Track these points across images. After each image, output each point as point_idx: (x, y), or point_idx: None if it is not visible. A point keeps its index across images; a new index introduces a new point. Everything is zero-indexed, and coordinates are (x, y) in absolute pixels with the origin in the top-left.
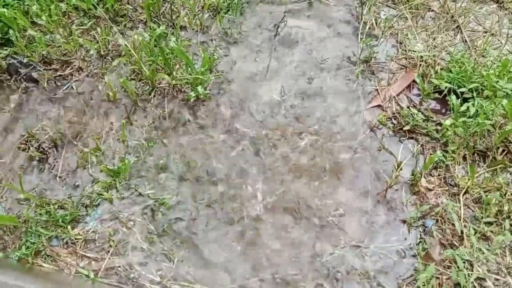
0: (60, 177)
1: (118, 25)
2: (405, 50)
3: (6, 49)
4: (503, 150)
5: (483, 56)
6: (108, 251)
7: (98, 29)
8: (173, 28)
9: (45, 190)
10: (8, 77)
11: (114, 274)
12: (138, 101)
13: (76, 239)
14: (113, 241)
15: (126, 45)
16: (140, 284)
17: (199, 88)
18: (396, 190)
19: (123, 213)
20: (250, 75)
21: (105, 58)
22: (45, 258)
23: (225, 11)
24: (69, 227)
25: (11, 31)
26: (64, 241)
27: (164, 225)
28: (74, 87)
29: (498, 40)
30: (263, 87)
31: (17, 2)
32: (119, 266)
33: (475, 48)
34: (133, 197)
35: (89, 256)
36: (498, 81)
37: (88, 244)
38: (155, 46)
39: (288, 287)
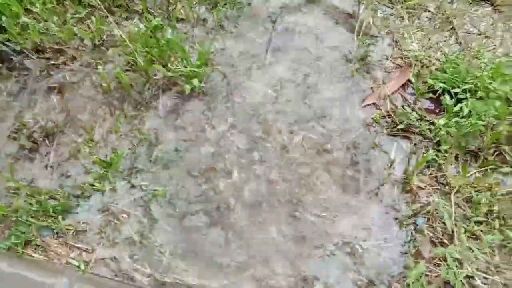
0: (51, 167)
1: (114, 15)
2: (401, 50)
3: None
4: (495, 151)
5: (477, 57)
6: (99, 243)
7: (93, 18)
8: (169, 20)
9: (35, 180)
10: (0, 65)
11: (105, 265)
12: (132, 92)
13: (67, 229)
14: (104, 232)
15: (121, 35)
16: (131, 276)
17: (195, 81)
18: (389, 188)
19: (115, 205)
20: (246, 70)
21: (99, 48)
22: (35, 248)
23: (222, 4)
24: (60, 217)
25: (3, 18)
26: (55, 231)
27: (157, 217)
28: (67, 76)
29: (492, 43)
30: (258, 81)
31: None
32: (110, 258)
33: (469, 50)
34: (125, 188)
35: (80, 247)
36: (491, 83)
37: (79, 235)
38: (151, 37)
39: (274, 284)
